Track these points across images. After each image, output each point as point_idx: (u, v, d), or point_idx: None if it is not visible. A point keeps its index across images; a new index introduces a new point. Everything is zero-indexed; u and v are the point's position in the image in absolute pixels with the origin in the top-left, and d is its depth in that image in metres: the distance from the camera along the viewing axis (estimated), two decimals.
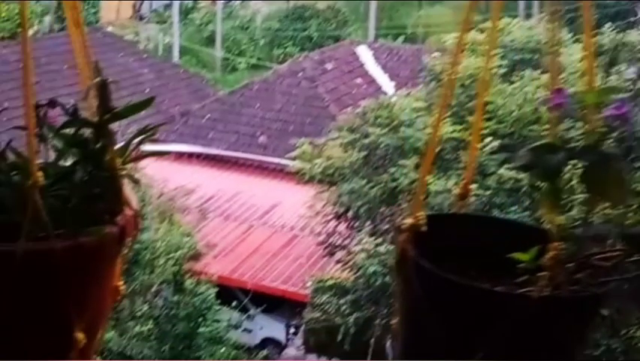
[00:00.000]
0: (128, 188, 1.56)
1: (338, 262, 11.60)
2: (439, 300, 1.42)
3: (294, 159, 12.01)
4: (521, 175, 9.75)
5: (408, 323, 1.51)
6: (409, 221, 1.48)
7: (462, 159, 10.14)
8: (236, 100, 20.15)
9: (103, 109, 1.51)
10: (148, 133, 1.59)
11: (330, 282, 10.58)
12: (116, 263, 1.57)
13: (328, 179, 11.29)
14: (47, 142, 1.54)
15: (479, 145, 9.87)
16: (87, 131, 1.54)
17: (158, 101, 21.39)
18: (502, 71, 10.75)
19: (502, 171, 9.79)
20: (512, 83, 10.51)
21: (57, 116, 1.57)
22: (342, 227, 11.62)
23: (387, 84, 21.66)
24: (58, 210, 1.46)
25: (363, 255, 9.75)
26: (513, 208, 9.72)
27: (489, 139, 9.95)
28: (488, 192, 9.67)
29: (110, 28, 24.47)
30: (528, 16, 23.58)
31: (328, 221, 11.60)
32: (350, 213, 11.07)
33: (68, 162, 1.54)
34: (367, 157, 11.05)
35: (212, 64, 29.00)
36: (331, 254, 11.84)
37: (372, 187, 10.58)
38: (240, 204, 17.28)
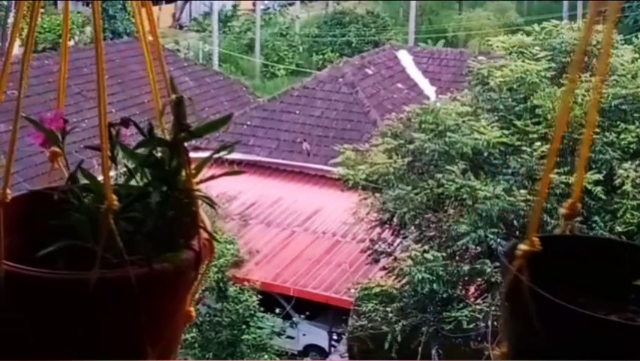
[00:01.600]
0: (201, 210, 1.48)
1: (383, 268, 11.49)
2: (557, 330, 1.32)
3: (337, 165, 11.92)
4: (572, 180, 9.55)
5: (521, 353, 1.41)
6: (524, 247, 1.36)
7: (510, 164, 9.97)
8: (276, 106, 20.13)
9: (178, 127, 1.43)
10: (225, 151, 1.51)
11: (377, 289, 10.46)
12: (191, 289, 1.50)
13: (372, 185, 11.17)
14: (117, 163, 1.46)
15: (530, 150, 9.72)
16: (158, 150, 1.47)
17: (198, 108, 21.49)
18: (551, 74, 10.55)
19: (552, 175, 9.58)
20: (561, 86, 10.30)
21: (127, 136, 1.50)
22: (386, 234, 11.50)
23: (428, 89, 21.51)
24: (132, 235, 1.39)
25: (409, 262, 9.62)
26: None
27: (538, 144, 9.77)
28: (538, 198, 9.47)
29: (150, 38, 24.66)
30: (572, 17, 23.27)
31: (373, 228, 11.49)
32: (395, 220, 10.94)
33: (134, 182, 1.46)
34: (412, 163, 10.92)
35: (252, 71, 29.11)
36: (376, 261, 11.73)
37: (418, 193, 10.44)
38: (281, 211, 17.25)
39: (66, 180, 1.47)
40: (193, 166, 1.45)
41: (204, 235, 1.46)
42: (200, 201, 1.45)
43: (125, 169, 1.48)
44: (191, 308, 1.51)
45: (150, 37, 1.63)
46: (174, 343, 1.50)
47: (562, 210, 1.44)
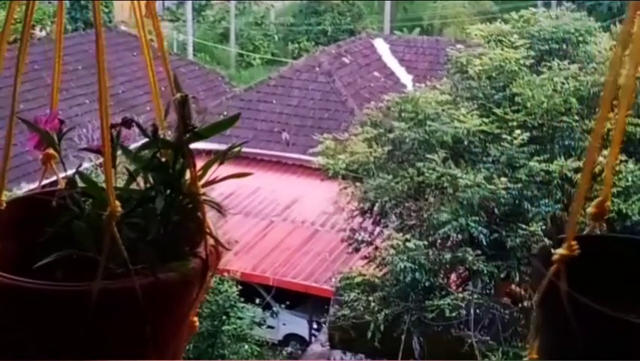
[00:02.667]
0: (207, 215, 1.41)
1: (364, 258, 11.47)
2: (596, 336, 1.27)
3: (317, 154, 11.87)
4: (552, 167, 9.59)
5: (555, 359, 1.36)
6: (562, 252, 1.30)
7: (490, 152, 9.98)
8: (253, 96, 20.03)
9: (183, 128, 1.35)
10: (232, 152, 1.44)
11: (358, 279, 10.44)
12: (196, 299, 1.43)
13: (352, 174, 11.14)
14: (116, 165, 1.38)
15: (510, 138, 9.72)
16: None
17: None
18: (530, 62, 10.56)
19: (532, 163, 9.62)
20: (540, 73, 10.31)
21: (127, 137, 1.43)
22: (367, 223, 11.48)
23: (405, 77, 21.49)
24: (134, 242, 1.31)
25: (391, 251, 9.60)
26: (544, 201, 9.55)
27: (518, 131, 9.79)
28: (519, 185, 9.50)
29: (123, 27, 24.39)
30: (546, 5, 23.34)
31: (353, 217, 11.46)
32: (375, 209, 10.92)
33: (134, 186, 1.38)
34: (392, 152, 10.90)
35: (227, 60, 28.90)
36: (356, 250, 11.70)
37: (398, 182, 10.43)
38: (259, 201, 17.17)
39: (65, 185, 1.39)
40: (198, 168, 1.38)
41: (210, 241, 1.39)
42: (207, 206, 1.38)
43: (123, 171, 1.41)
44: (195, 318, 1.44)
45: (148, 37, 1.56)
46: (179, 354, 1.44)
47: (590, 210, 1.39)
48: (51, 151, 1.50)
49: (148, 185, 1.36)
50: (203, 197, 1.37)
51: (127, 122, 1.38)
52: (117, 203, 1.29)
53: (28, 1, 1.49)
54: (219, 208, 1.39)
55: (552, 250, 1.34)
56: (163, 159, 1.37)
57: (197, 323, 1.46)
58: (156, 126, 1.37)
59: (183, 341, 1.45)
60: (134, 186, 1.39)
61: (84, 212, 1.34)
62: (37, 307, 1.30)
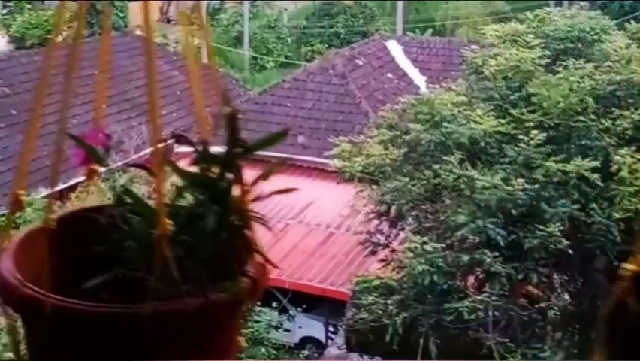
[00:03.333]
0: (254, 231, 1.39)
1: (380, 260, 11.46)
2: None
3: (332, 157, 11.88)
4: (569, 167, 9.56)
5: None
6: (632, 267, 1.27)
7: (507, 153, 9.96)
8: (267, 99, 20.05)
9: (232, 142, 1.34)
10: (276, 168, 1.43)
11: (376, 282, 10.43)
12: (244, 318, 1.43)
13: (368, 177, 11.14)
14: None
15: (527, 138, 9.68)
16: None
17: (189, 102, 21.36)
18: (545, 61, 10.53)
19: (549, 164, 9.58)
20: (556, 73, 10.28)
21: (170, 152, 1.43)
22: (383, 226, 11.47)
23: (418, 78, 21.47)
24: (182, 260, 1.28)
25: (409, 254, 9.59)
26: (562, 201, 9.52)
27: (535, 132, 9.76)
28: (536, 186, 9.47)
29: (138, 32, 24.50)
30: (558, 4, 23.26)
31: (369, 220, 11.45)
32: (392, 212, 10.91)
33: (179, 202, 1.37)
34: (408, 154, 10.89)
35: (241, 64, 28.95)
36: (373, 253, 11.70)
37: (415, 184, 10.42)
38: (275, 204, 17.18)
39: (114, 202, 1.38)
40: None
41: (260, 260, 1.38)
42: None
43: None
44: (240, 338, 1.43)
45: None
46: None
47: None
48: (95, 167, 1.51)
49: (194, 201, 1.36)
50: (252, 214, 1.38)
51: (177, 137, 1.39)
52: (168, 221, 1.28)
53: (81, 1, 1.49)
54: (266, 224, 1.40)
55: (614, 264, 1.32)
56: (211, 175, 1.37)
57: (243, 343, 1.44)
58: (206, 142, 1.38)
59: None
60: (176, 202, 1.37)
61: (135, 230, 1.32)
62: (86, 330, 1.28)
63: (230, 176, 1.35)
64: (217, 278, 1.31)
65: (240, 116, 1.35)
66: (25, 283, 1.30)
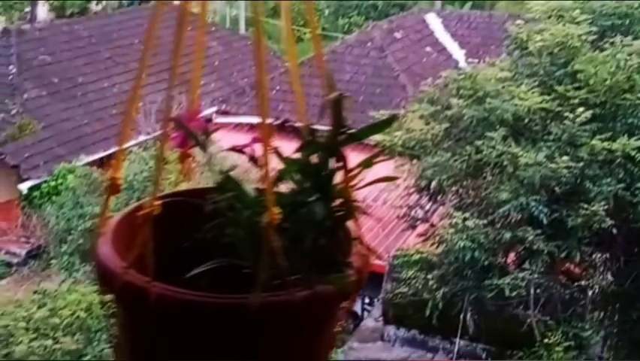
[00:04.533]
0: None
1: (419, 235, 11.43)
2: None
3: None
4: (614, 146, 9.42)
5: None
6: None
7: (551, 130, 9.84)
8: (305, 71, 19.79)
9: (337, 128, 1.29)
10: (377, 156, 1.37)
11: (416, 256, 10.42)
12: (347, 311, 1.36)
13: (409, 152, 11.07)
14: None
15: (572, 115, 9.56)
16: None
17: (227, 73, 21.37)
18: (592, 38, 10.34)
19: (594, 142, 9.46)
20: (603, 50, 10.10)
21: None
22: (423, 200, 11.42)
23: (457, 52, 21.25)
24: (287, 250, 1.23)
25: (451, 230, 9.55)
26: (606, 180, 9.40)
27: (580, 109, 9.62)
28: (580, 164, 9.35)
29: (176, 2, 24.50)
30: None
31: (410, 194, 11.41)
32: (433, 186, 10.86)
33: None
34: (449, 129, 10.80)
35: (278, 35, 28.83)
36: (413, 227, 11.67)
37: (456, 160, 10.34)
38: None
39: (217, 188, 1.33)
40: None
41: (363, 250, 1.34)
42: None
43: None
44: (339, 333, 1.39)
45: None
46: None
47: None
48: (190, 150, 1.49)
49: (296, 188, 1.33)
50: (356, 203, 1.34)
51: (283, 124, 1.37)
52: (277, 210, 1.24)
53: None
54: (365, 213, 1.37)
55: None
56: (314, 162, 1.32)
57: (339, 338, 1.40)
58: (313, 129, 1.35)
59: (329, 355, 1.40)
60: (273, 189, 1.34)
61: (241, 218, 1.28)
62: (190, 319, 1.24)
63: (334, 163, 1.32)
64: (321, 269, 1.27)
65: (345, 101, 1.31)
66: (129, 270, 1.27)
